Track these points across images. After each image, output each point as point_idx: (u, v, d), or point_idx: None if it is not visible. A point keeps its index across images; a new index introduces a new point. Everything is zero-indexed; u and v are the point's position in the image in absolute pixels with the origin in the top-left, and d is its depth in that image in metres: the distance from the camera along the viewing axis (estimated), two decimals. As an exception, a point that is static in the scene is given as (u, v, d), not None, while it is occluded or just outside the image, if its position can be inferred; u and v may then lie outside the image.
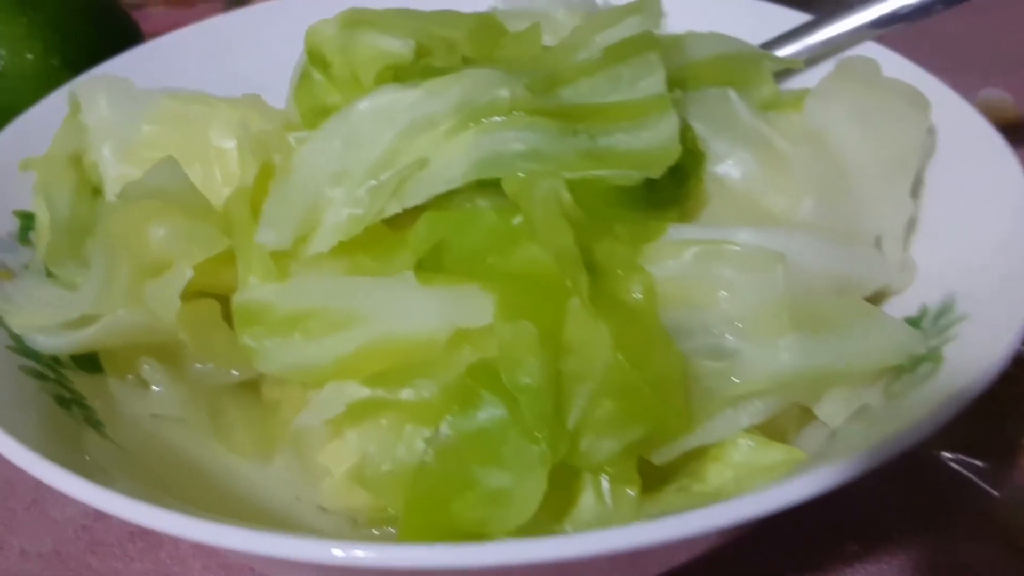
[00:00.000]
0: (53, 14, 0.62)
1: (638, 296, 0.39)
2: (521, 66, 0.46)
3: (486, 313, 0.38)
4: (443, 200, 0.42)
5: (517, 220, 0.41)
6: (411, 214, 0.42)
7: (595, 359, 0.37)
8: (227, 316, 0.44)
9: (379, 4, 0.54)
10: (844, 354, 0.38)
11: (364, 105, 0.44)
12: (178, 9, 1.05)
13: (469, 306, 0.38)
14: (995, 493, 0.48)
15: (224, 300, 0.45)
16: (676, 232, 0.41)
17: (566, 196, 0.40)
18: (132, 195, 0.42)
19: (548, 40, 0.52)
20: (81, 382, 0.44)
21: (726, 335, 0.39)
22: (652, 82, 0.43)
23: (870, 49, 0.54)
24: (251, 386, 0.47)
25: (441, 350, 0.38)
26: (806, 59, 0.55)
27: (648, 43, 0.44)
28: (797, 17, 0.58)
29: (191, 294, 0.44)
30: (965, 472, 0.49)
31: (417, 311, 0.39)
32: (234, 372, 0.46)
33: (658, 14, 0.49)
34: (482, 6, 0.58)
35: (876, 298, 0.44)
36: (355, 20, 0.49)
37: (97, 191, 0.50)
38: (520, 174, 0.41)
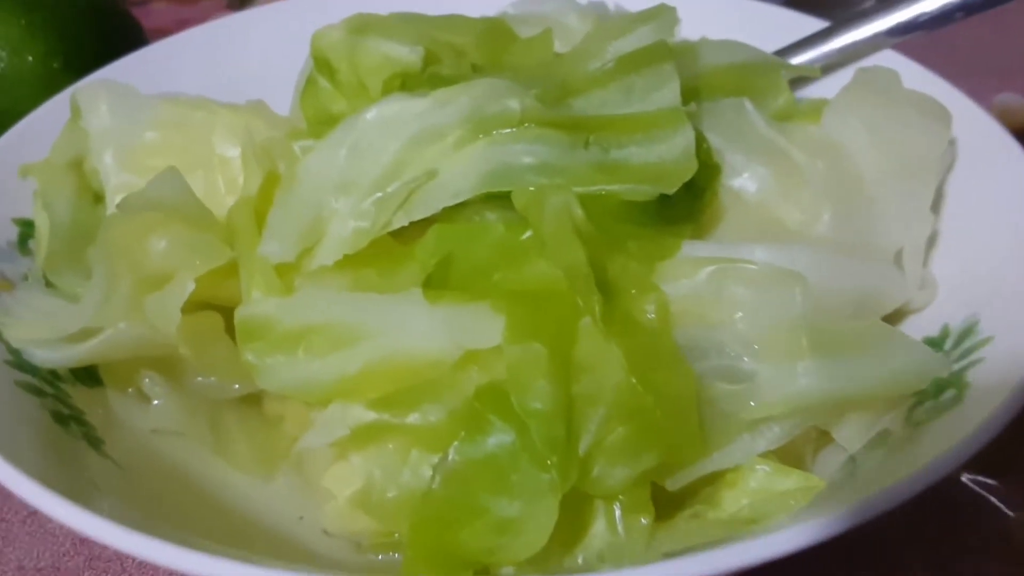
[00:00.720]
0: (54, 15, 0.61)
1: (651, 316, 0.38)
2: (531, 74, 0.45)
3: (495, 333, 0.37)
4: (451, 213, 0.41)
5: (526, 234, 0.40)
6: (418, 226, 0.41)
7: (607, 381, 0.36)
8: (229, 328, 0.43)
9: (385, 7, 0.53)
10: (864, 379, 0.37)
11: (371, 114, 0.43)
12: (181, 5, 1.04)
13: (477, 326, 0.37)
14: (1011, 514, 0.47)
15: (226, 311, 0.44)
16: (691, 249, 0.40)
17: (577, 211, 0.39)
18: (133, 206, 0.41)
19: (559, 46, 0.51)
20: (80, 396, 0.43)
21: (742, 357, 0.38)
22: (666, 94, 0.42)
23: (888, 57, 0.53)
24: (253, 400, 0.46)
25: (448, 371, 0.37)
26: (822, 67, 0.54)
27: (662, 53, 0.43)
28: (813, 23, 0.57)
29: (193, 306, 0.43)
30: (981, 492, 0.48)
31: (424, 330, 0.38)
32: (236, 386, 0.45)
33: (673, 23, 0.47)
34: (491, 10, 0.57)
35: (896, 316, 0.43)
36: (362, 26, 0.48)
37: (98, 198, 0.49)
38: (530, 187, 0.40)
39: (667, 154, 0.41)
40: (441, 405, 0.36)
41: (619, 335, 0.36)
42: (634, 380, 0.35)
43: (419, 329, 0.38)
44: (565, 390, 0.35)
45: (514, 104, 0.42)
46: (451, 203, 0.41)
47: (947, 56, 0.54)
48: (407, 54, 0.47)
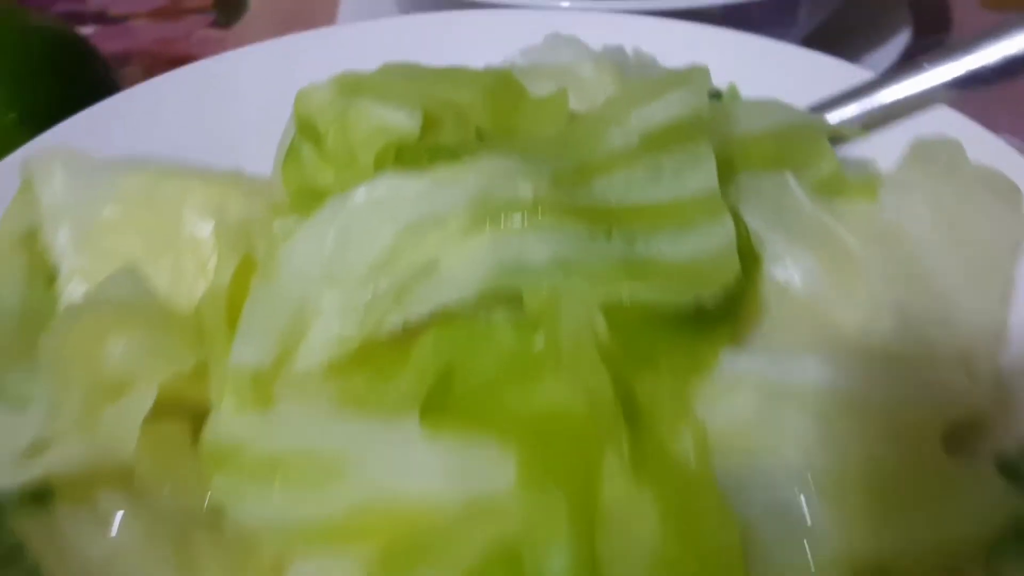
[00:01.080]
0: (11, 62, 0.55)
1: (688, 449, 0.32)
2: (545, 147, 0.40)
3: (505, 475, 0.31)
4: (452, 311, 0.35)
5: (539, 339, 0.34)
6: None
7: (639, 537, 0.30)
8: (198, 431, 0.38)
9: (381, 52, 0.48)
10: (935, 527, 0.32)
11: (361, 196, 0.38)
12: (163, 22, 0.99)
13: (484, 466, 0.31)
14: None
15: (195, 415, 0.38)
16: (731, 363, 0.34)
17: (600, 322, 0.33)
18: (86, 310, 0.36)
19: (574, 101, 0.45)
20: (21, 523, 0.37)
21: (796, 494, 0.32)
22: (701, 176, 0.37)
23: (943, 117, 0.47)
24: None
25: (451, 523, 0.31)
26: (864, 125, 0.48)
27: (696, 129, 0.37)
28: (855, 73, 0.51)
29: (155, 412, 0.37)
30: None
31: (422, 470, 0.32)
32: (205, 501, 0.39)
33: (705, 87, 0.41)
34: (497, 58, 0.51)
35: (962, 428, 0.38)
36: (353, 86, 0.43)
37: (51, 279, 0.43)
38: (544, 287, 0.34)
39: (703, 249, 0.35)
40: (442, 571, 0.30)
41: (651, 478, 0.31)
42: (670, 535, 0.30)
43: (416, 468, 0.32)
44: (589, 550, 0.30)
45: (526, 188, 0.36)
46: (453, 301, 0.35)
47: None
48: (404, 120, 0.41)
